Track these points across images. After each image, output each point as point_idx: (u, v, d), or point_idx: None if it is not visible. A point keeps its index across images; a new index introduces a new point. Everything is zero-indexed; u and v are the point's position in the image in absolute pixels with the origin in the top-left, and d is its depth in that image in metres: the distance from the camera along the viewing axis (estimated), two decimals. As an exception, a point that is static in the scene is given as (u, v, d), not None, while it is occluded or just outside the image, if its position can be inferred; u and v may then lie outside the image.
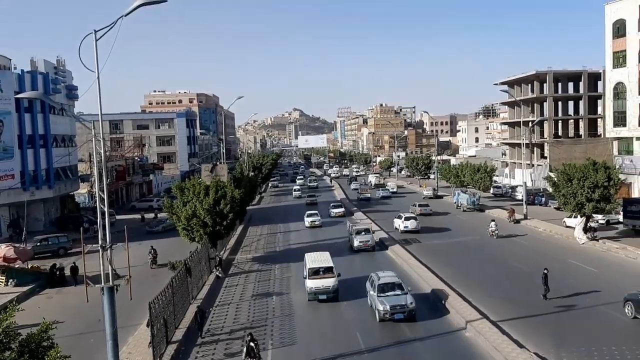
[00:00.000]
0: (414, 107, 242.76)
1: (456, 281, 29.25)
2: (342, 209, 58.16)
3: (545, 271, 26.09)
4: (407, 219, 47.22)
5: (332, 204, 61.29)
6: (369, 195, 73.28)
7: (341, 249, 39.26)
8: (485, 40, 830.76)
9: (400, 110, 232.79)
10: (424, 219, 51.44)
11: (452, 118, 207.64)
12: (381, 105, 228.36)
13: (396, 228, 47.62)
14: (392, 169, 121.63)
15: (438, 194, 73.98)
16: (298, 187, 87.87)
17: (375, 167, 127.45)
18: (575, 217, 44.65)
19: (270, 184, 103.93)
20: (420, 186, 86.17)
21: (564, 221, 45.54)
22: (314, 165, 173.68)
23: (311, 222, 51.00)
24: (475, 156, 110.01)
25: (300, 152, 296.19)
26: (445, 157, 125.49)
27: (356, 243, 38.12)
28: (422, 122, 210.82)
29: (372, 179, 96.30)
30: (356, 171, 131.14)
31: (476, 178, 63.70)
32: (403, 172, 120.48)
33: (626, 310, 22.86)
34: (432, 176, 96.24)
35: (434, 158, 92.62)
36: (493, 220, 45.33)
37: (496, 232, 42.29)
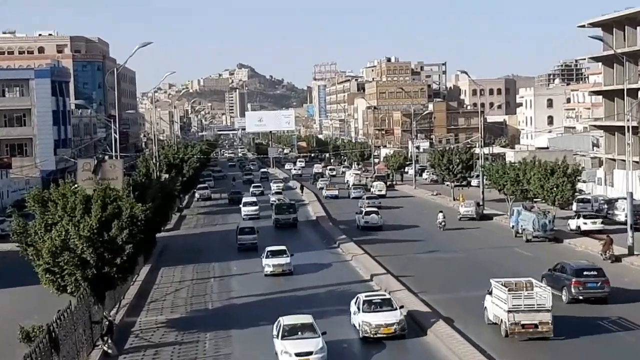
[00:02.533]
0: (444, 65, 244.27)
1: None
2: (397, 316, 34.00)
3: None
4: (367, 213, 69.37)
5: (366, 300, 35.23)
6: (336, 192, 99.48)
7: None
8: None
9: (422, 69, 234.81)
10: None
11: (508, 83, 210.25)
12: (389, 60, 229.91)
13: (358, 225, 69.04)
14: (406, 168, 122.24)
15: (484, 211, 74.89)
16: (249, 227, 63.38)
17: (378, 166, 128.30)
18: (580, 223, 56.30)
19: (197, 194, 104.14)
20: (454, 199, 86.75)
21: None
22: (274, 163, 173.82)
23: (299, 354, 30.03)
24: (547, 148, 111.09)
25: (249, 139, 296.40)
26: (497, 149, 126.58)
27: None
28: (457, 90, 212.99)
29: (350, 178, 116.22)
30: (336, 172, 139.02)
31: (549, 185, 64.29)
32: (425, 175, 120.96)
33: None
34: (474, 182, 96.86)
35: (477, 151, 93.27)
36: (441, 212, 67.33)
37: (443, 223, 64.61)
